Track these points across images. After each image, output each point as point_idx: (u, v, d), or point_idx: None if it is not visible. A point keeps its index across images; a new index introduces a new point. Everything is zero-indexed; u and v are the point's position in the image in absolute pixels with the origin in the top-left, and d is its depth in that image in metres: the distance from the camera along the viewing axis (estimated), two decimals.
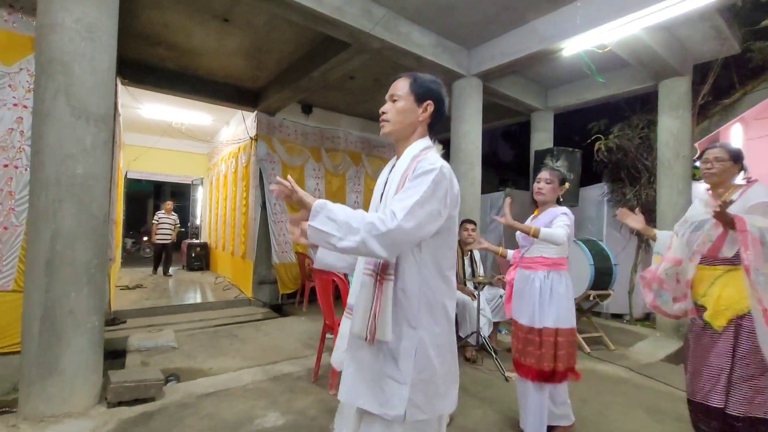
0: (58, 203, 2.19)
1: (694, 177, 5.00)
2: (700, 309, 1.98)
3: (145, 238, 10.00)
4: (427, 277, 1.15)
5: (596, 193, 5.75)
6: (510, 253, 2.61)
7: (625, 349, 4.05)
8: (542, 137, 6.04)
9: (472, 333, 3.45)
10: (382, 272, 1.15)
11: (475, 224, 4.14)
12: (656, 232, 2.27)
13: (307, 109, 6.90)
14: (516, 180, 7.26)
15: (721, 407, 1.89)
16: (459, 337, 3.60)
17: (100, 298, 2.40)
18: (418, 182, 1.10)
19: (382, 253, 1.03)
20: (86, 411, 2.29)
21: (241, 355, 3.83)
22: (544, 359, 2.18)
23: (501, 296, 3.77)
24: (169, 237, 8.17)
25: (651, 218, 5.04)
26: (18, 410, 2.23)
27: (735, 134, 6.66)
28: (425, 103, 1.25)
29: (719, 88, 5.75)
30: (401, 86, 1.26)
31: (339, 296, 2.75)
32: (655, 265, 2.13)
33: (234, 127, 7.80)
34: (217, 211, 8.95)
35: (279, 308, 6.15)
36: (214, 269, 9.16)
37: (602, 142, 5.25)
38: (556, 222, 2.23)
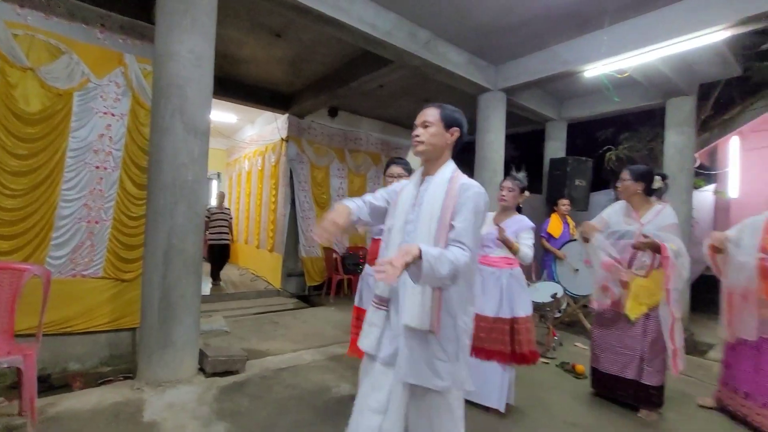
0: (174, 204, 2.62)
1: (696, 187, 5.49)
2: (614, 302, 2.65)
3: None
4: (462, 281, 1.44)
5: (605, 198, 6.23)
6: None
7: None
8: (556, 146, 6.50)
9: None
10: None
11: None
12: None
13: (333, 112, 7.30)
14: (529, 185, 7.71)
15: (637, 379, 2.58)
16: None
17: (200, 283, 2.84)
18: (474, 211, 1.39)
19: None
20: (191, 378, 2.74)
21: (289, 339, 4.27)
22: (523, 344, 2.50)
23: None
24: (226, 236, 6.84)
25: None
26: (139, 376, 2.67)
27: (732, 146, 7.15)
28: (452, 129, 1.49)
29: (720, 103, 6.22)
30: (432, 114, 1.49)
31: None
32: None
33: (260, 127, 8.19)
34: (239, 206, 9.34)
35: (306, 299, 6.59)
36: (235, 261, 9.57)
37: (612, 152, 5.72)
38: (522, 237, 2.53)
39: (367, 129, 7.87)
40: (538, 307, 4.08)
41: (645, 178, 2.66)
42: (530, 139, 8.12)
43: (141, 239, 3.66)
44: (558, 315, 4.89)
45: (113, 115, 3.56)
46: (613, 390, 2.76)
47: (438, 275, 1.26)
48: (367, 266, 2.49)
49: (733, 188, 6.94)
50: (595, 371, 2.85)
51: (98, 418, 2.27)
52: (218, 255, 6.80)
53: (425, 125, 1.49)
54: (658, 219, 2.57)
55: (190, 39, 2.64)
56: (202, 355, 2.89)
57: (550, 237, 4.98)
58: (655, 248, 2.46)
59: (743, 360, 2.61)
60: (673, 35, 3.40)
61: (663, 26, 3.47)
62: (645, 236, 2.54)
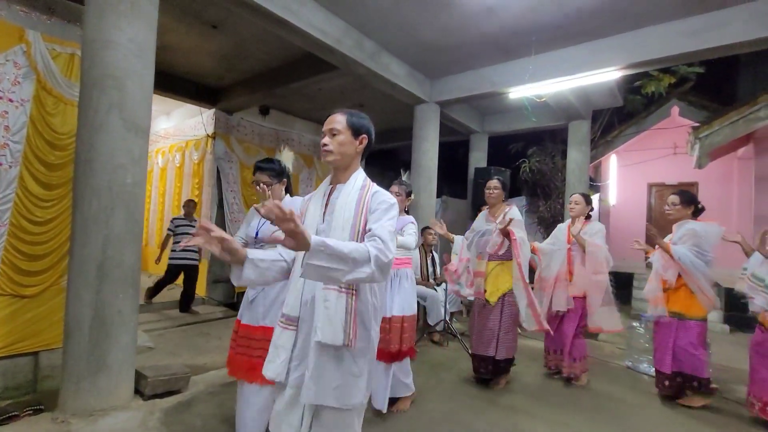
0: (110, 210, 2.33)
1: None
2: (482, 291, 3.15)
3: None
4: (374, 288, 1.39)
5: (519, 204, 7.04)
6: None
7: None
8: (479, 156, 7.14)
9: (439, 321, 4.21)
10: (353, 288, 1.31)
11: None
12: (453, 236, 3.50)
13: (264, 111, 7.01)
14: (452, 190, 8.34)
15: (494, 355, 3.06)
16: (428, 324, 4.35)
17: (138, 297, 2.57)
18: (387, 214, 1.34)
19: (383, 279, 1.26)
20: (127, 404, 2.46)
21: (227, 350, 4.02)
22: (391, 342, 2.57)
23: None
24: (195, 255, 5.42)
25: None
26: (62, 406, 2.31)
27: (612, 162, 8.60)
28: (361, 137, 1.42)
29: (604, 126, 7.48)
30: (339, 121, 1.40)
31: None
32: (453, 263, 3.44)
33: (178, 120, 7.48)
34: (149, 206, 8.38)
35: (235, 306, 6.22)
36: (144, 268, 8.56)
37: (527, 164, 6.50)
38: (406, 230, 2.66)
39: (300, 130, 7.72)
40: (470, 301, 4.48)
41: (507, 187, 3.24)
42: (456, 148, 8.77)
43: (47, 248, 3.17)
44: None
45: (11, 101, 3.00)
46: (478, 368, 3.16)
47: (333, 251, 1.12)
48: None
49: (612, 197, 8.37)
50: (473, 356, 3.21)
51: None
52: (183, 279, 5.45)
53: (333, 133, 1.40)
54: (508, 215, 3.08)
55: (131, 26, 2.37)
56: (138, 377, 2.60)
57: None
58: (506, 233, 3.01)
59: (553, 327, 3.31)
60: (581, 69, 4.05)
61: (574, 61, 4.09)
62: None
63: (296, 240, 1.08)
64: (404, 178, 3.02)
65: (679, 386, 2.98)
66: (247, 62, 5.12)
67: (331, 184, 1.49)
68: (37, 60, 3.08)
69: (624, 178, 8.47)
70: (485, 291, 3.13)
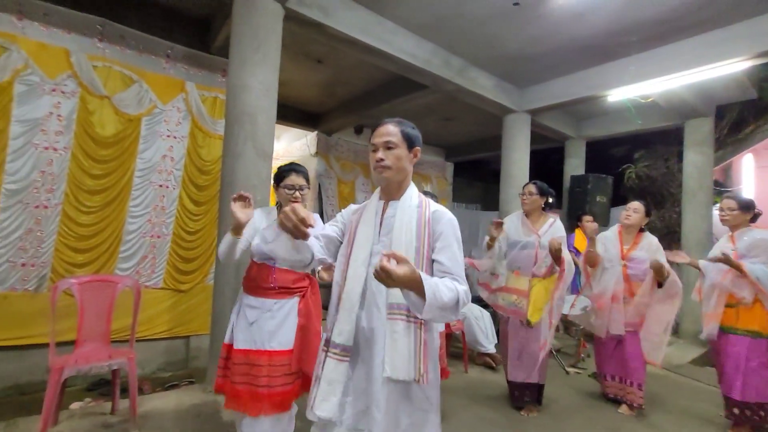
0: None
1: (715, 203, 5.67)
2: (522, 311, 2.77)
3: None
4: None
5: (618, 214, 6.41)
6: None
7: None
8: (575, 163, 6.73)
9: None
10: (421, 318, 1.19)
11: None
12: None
13: (358, 130, 7.62)
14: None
15: (537, 381, 2.77)
16: None
17: None
18: (455, 240, 1.27)
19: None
20: None
21: None
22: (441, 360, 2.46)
23: None
24: None
25: (676, 239, 5.72)
26: (209, 380, 2.89)
27: (747, 163, 7.35)
28: (415, 149, 1.35)
29: (734, 122, 6.45)
30: (394, 133, 1.31)
31: None
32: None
33: (287, 142, 8.51)
34: None
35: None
36: None
37: (632, 170, 5.94)
38: None
39: None
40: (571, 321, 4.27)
41: (547, 194, 2.88)
42: (548, 155, 8.36)
43: (197, 252, 3.95)
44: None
45: (175, 137, 3.87)
46: (521, 397, 2.87)
47: (441, 303, 1.06)
48: (244, 297, 2.08)
49: None
50: (513, 383, 2.90)
51: (183, 417, 2.49)
52: None
53: (389, 146, 1.30)
54: (551, 230, 2.79)
55: (261, 72, 2.94)
56: None
57: (577, 252, 5.17)
58: (557, 257, 2.66)
59: (609, 351, 3.04)
60: (696, 65, 3.66)
61: (685, 57, 3.72)
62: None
63: (406, 285, 1.03)
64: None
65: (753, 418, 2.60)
66: (345, 88, 5.70)
67: (381, 200, 1.40)
68: (192, 104, 3.92)
69: (764, 181, 7.16)
70: (519, 309, 2.82)
